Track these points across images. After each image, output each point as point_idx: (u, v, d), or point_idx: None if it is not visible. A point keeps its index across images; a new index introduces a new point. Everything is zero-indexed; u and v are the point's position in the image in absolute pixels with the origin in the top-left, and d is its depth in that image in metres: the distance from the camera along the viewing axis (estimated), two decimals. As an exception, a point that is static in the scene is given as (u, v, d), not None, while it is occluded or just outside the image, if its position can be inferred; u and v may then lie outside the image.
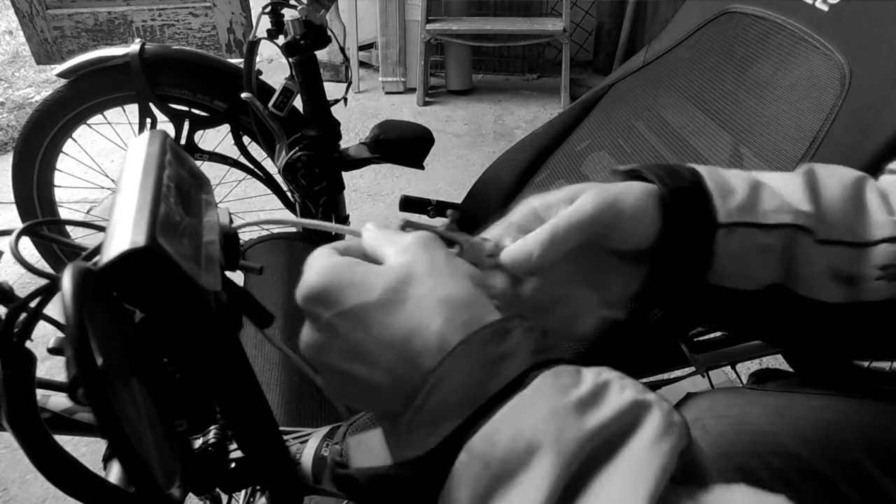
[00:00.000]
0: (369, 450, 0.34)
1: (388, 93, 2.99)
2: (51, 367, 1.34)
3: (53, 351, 0.31)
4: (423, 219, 0.41)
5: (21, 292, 0.32)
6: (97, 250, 0.33)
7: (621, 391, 0.26)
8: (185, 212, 0.33)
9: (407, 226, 0.37)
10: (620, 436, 0.25)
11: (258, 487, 0.57)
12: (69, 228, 1.31)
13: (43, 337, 0.34)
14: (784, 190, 0.41)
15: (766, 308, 0.41)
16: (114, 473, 0.48)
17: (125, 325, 0.30)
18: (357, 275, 0.30)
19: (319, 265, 0.31)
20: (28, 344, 0.30)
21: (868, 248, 0.40)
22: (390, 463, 0.29)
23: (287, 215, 1.36)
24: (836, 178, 0.42)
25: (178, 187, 0.34)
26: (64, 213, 1.52)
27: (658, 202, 0.39)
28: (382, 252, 0.32)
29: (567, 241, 0.36)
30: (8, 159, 1.33)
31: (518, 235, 0.37)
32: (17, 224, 0.35)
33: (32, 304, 0.30)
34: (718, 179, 0.40)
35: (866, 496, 0.49)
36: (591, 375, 0.27)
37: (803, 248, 0.39)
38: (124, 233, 0.27)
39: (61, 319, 0.29)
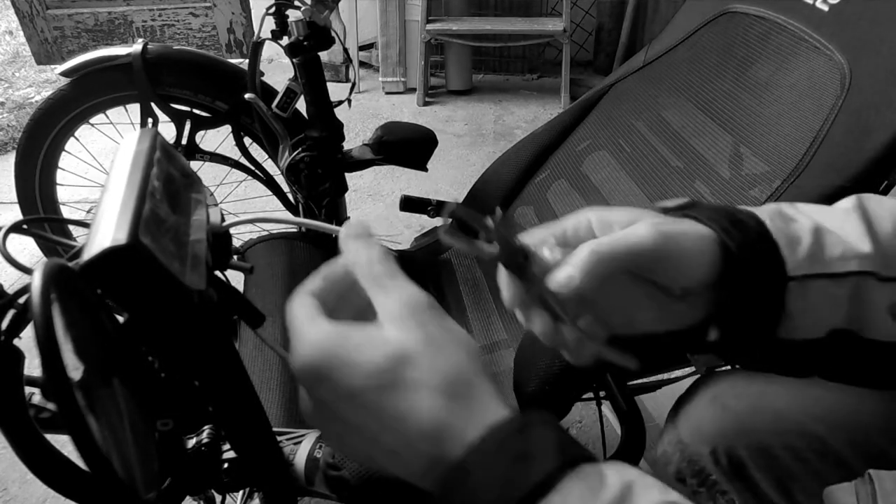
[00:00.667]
0: None
1: (388, 93, 2.99)
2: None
3: None
4: (423, 219, 0.40)
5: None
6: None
7: (647, 491, 0.26)
8: (172, 210, 0.33)
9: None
10: None
11: (253, 488, 0.56)
12: (73, 228, 1.31)
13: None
14: (844, 232, 0.39)
15: (832, 353, 0.40)
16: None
17: (107, 324, 0.30)
18: (350, 353, 0.29)
19: (308, 339, 0.30)
20: (19, 343, 0.30)
21: None
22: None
23: (285, 215, 1.36)
24: (885, 210, 0.41)
25: (167, 185, 0.34)
26: (66, 212, 1.52)
27: (718, 248, 0.37)
28: (374, 300, 0.31)
29: (611, 265, 0.35)
30: (8, 159, 1.34)
31: (557, 247, 0.37)
32: (18, 224, 0.35)
33: (21, 301, 0.30)
34: (782, 226, 0.38)
35: None
36: (615, 477, 0.27)
37: (868, 290, 0.38)
38: (107, 230, 0.27)
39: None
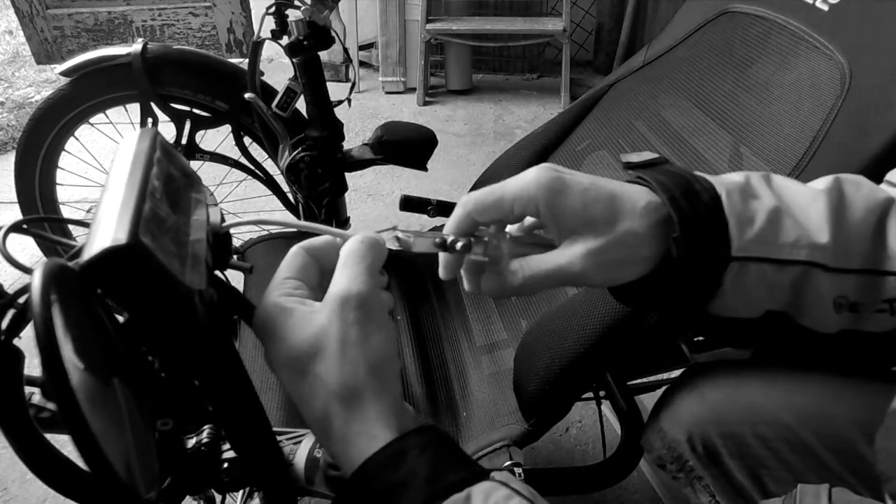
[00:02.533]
0: None
1: (388, 92, 2.99)
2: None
3: None
4: (422, 219, 0.41)
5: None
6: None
7: None
8: (172, 210, 0.33)
9: (396, 237, 0.38)
10: None
11: (254, 487, 0.56)
12: (73, 228, 1.31)
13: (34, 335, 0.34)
14: (806, 215, 0.39)
15: (763, 331, 0.41)
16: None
17: (107, 323, 0.30)
18: (286, 329, 0.34)
19: (264, 302, 0.35)
20: (19, 342, 0.30)
21: (879, 278, 0.39)
22: None
23: (285, 216, 1.36)
24: (861, 199, 0.40)
25: (167, 185, 0.34)
26: (66, 212, 1.52)
27: (661, 222, 0.37)
28: (332, 284, 0.35)
29: (487, 210, 0.38)
30: (8, 159, 1.33)
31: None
32: (18, 223, 0.35)
33: (21, 301, 0.30)
34: (738, 203, 0.38)
35: (850, 468, 0.50)
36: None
37: (813, 281, 0.38)
38: (107, 230, 0.27)
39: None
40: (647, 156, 0.41)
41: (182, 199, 0.36)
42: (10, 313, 0.29)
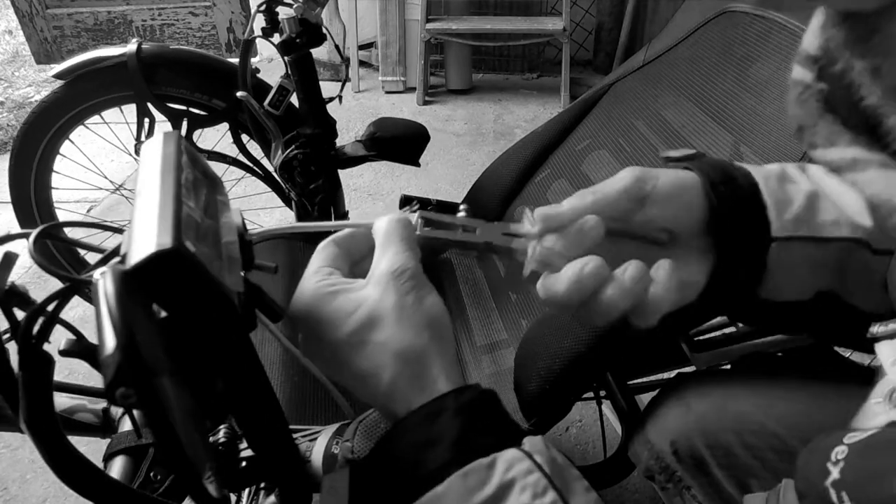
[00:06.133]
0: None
1: (387, 92, 2.99)
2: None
3: (66, 353, 0.31)
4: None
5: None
6: (114, 253, 0.33)
7: (521, 493, 0.29)
8: (204, 213, 0.33)
9: (421, 217, 0.37)
10: None
11: (262, 487, 0.57)
12: (69, 230, 1.31)
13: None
14: (843, 200, 0.39)
15: (815, 313, 0.40)
16: (115, 471, 0.48)
17: (154, 327, 0.30)
18: (332, 311, 0.34)
19: (304, 288, 0.35)
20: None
21: None
22: None
23: (290, 215, 1.36)
24: (893, 184, 0.40)
25: (196, 189, 0.34)
26: (62, 214, 1.51)
27: (705, 199, 0.37)
28: (375, 256, 0.36)
29: (598, 201, 0.36)
30: (7, 158, 1.33)
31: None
32: (15, 225, 0.35)
33: (50, 308, 0.31)
34: (775, 188, 0.38)
35: None
36: (498, 474, 0.30)
37: (859, 259, 0.38)
38: (149, 235, 0.27)
39: (78, 323, 0.31)
40: (685, 151, 0.42)
41: (210, 202, 0.36)
42: (41, 320, 0.30)
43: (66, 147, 1.33)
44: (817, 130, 0.44)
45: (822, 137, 0.43)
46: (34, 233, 0.33)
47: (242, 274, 0.35)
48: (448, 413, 0.32)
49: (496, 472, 0.30)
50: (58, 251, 1.39)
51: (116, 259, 0.30)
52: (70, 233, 1.44)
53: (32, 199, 1.34)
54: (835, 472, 0.29)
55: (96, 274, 0.26)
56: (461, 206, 0.41)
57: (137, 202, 0.30)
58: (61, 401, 0.57)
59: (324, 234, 0.40)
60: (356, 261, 0.38)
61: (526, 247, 0.36)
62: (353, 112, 2.75)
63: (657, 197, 0.37)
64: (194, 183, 0.34)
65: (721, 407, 0.57)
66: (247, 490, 0.61)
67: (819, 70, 0.43)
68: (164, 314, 0.29)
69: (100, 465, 0.43)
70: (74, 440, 0.34)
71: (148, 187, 0.31)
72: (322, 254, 0.38)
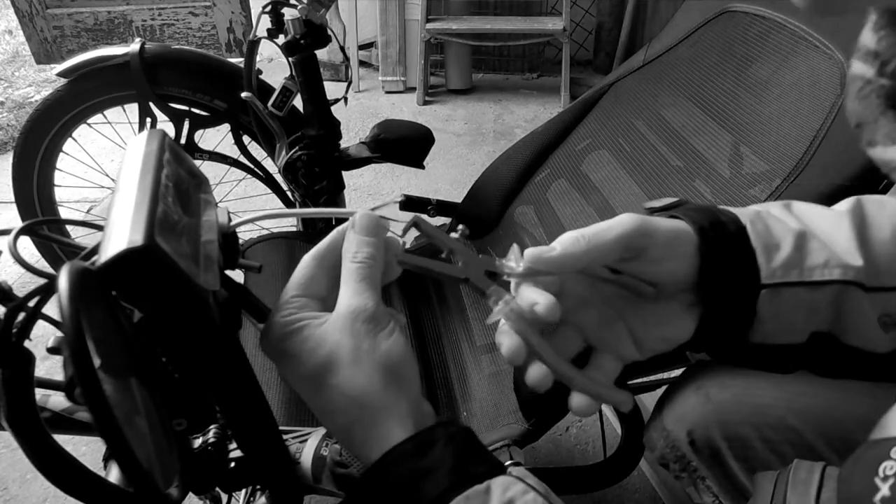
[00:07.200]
0: None
1: (388, 92, 2.99)
2: (50, 367, 1.34)
3: (53, 350, 0.31)
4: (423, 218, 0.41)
5: (20, 292, 0.32)
6: (95, 250, 0.33)
7: None
8: (183, 211, 0.33)
9: (414, 226, 0.37)
10: None
11: (258, 487, 0.57)
12: (70, 228, 1.31)
13: (42, 336, 0.34)
14: (832, 237, 0.38)
15: (811, 355, 0.40)
16: (113, 473, 0.48)
17: (123, 325, 0.30)
18: (296, 346, 0.35)
19: (272, 322, 0.36)
20: (27, 344, 0.30)
21: None
22: None
23: (289, 210, 1.37)
24: (885, 216, 0.39)
25: (177, 187, 0.34)
26: (64, 213, 1.52)
27: (696, 249, 0.37)
28: (340, 299, 0.36)
29: (591, 250, 0.35)
30: (8, 158, 1.33)
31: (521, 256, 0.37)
32: (18, 223, 0.35)
33: (31, 304, 0.30)
34: (762, 231, 0.38)
35: None
36: (496, 497, 0.30)
37: (853, 299, 0.38)
38: (122, 232, 0.27)
39: (60, 319, 0.30)
40: (666, 201, 0.42)
41: (192, 200, 0.36)
42: (21, 316, 0.30)
43: (68, 145, 1.33)
44: (878, 127, 0.43)
45: (883, 135, 0.42)
46: (15, 229, 0.33)
47: (240, 273, 0.35)
48: (441, 443, 0.33)
49: (494, 495, 0.31)
50: (62, 251, 1.39)
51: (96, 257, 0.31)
52: (73, 232, 1.44)
53: (35, 197, 1.35)
54: (884, 489, 0.28)
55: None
56: (459, 227, 0.42)
57: (115, 199, 0.30)
58: (60, 400, 0.57)
59: (322, 234, 0.40)
60: (336, 277, 0.38)
61: (498, 298, 0.36)
62: (352, 112, 2.75)
63: (655, 254, 0.36)
64: (177, 181, 0.34)
65: (741, 398, 0.56)
66: (243, 490, 0.61)
67: (880, 65, 0.42)
68: (139, 315, 0.29)
69: (99, 465, 0.43)
70: (76, 440, 0.34)
71: (127, 185, 0.31)
72: (297, 277, 0.38)
